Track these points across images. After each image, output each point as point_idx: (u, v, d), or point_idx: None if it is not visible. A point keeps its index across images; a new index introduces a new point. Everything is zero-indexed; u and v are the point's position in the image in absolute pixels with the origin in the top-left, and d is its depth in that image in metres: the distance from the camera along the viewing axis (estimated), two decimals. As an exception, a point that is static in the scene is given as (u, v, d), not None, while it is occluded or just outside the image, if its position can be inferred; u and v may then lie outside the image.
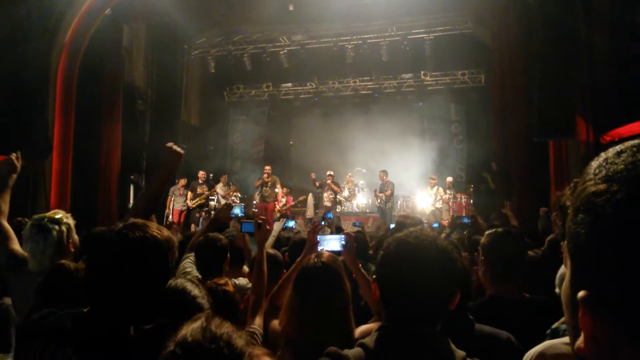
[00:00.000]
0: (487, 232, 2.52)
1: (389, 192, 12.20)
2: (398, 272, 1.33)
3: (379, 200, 12.33)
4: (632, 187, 0.51)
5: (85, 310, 1.39)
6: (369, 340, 1.30)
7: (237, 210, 4.01)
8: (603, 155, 0.58)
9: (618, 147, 0.57)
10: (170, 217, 11.92)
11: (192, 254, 3.36)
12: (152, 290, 1.37)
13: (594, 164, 0.57)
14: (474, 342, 1.69)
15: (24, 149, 3.09)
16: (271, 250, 3.03)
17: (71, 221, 2.87)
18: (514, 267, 2.36)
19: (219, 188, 12.80)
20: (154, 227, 1.40)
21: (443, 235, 4.86)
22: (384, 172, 12.60)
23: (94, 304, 1.37)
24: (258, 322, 2.23)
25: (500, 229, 2.52)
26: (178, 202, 12.05)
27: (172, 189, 12.00)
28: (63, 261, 2.25)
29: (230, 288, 2.06)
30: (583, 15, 7.41)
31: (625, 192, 0.51)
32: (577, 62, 7.52)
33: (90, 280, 1.41)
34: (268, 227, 2.73)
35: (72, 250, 2.83)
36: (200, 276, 2.90)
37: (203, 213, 11.92)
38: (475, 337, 1.82)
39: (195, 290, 1.65)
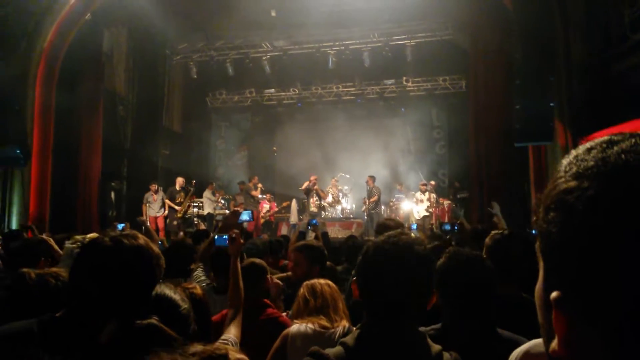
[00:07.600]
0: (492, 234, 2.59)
1: (375, 198, 12.22)
2: (376, 276, 1.38)
3: (365, 207, 12.31)
4: (602, 183, 0.50)
5: (57, 315, 1.38)
6: (350, 339, 1.35)
7: (245, 217, 3.96)
8: (573, 152, 0.56)
9: (588, 144, 0.56)
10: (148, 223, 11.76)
11: (202, 264, 3.43)
12: (138, 296, 1.38)
13: (565, 161, 0.56)
14: (495, 346, 1.72)
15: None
16: (257, 260, 3.06)
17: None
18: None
19: (208, 194, 12.78)
20: (147, 240, 1.43)
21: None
22: (371, 177, 12.61)
23: (75, 307, 1.36)
24: (234, 332, 2.24)
25: (505, 231, 2.60)
26: (153, 208, 11.81)
27: (146, 195, 11.82)
28: (24, 270, 2.00)
29: (198, 291, 2.09)
30: (560, 21, 7.57)
31: (595, 188, 0.50)
32: (555, 68, 7.68)
33: (75, 283, 1.41)
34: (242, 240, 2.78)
35: None
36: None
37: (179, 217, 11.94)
38: (497, 341, 1.84)
39: (174, 295, 1.68)
